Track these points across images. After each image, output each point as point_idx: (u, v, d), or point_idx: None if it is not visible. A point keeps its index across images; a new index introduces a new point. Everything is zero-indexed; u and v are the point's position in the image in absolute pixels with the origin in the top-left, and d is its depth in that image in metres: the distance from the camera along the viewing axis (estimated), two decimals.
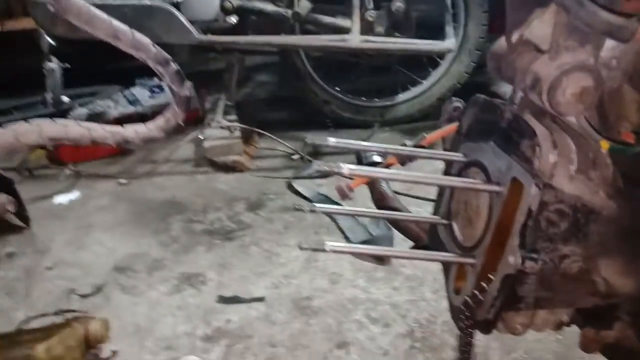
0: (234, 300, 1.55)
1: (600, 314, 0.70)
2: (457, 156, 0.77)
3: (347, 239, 1.73)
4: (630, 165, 0.65)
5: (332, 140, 0.71)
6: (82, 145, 1.50)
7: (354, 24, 2.09)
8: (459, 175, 0.76)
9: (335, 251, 0.66)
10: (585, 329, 0.72)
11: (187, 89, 1.37)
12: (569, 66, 0.60)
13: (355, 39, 2.06)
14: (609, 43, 0.61)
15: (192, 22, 2.01)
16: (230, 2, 2.12)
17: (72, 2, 1.34)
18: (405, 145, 0.88)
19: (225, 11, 2.15)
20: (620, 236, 0.65)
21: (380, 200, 1.01)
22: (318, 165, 0.63)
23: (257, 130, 2.39)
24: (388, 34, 2.20)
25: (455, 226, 0.77)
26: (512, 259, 0.63)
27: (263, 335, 1.41)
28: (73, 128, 1.44)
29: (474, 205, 0.72)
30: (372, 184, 1.02)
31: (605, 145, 0.61)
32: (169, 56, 1.33)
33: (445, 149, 0.91)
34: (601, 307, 0.69)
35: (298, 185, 2.08)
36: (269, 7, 2.18)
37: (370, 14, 2.18)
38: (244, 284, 1.61)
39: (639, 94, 0.64)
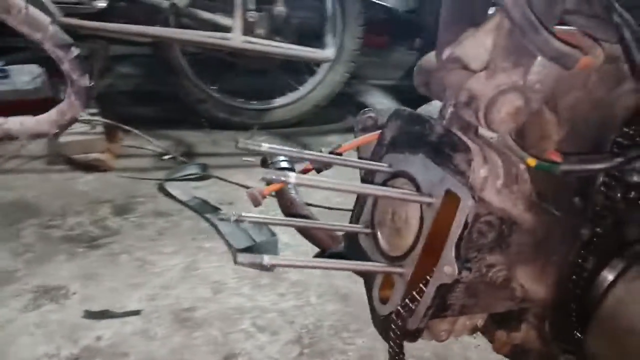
0: (104, 314, 1.40)
1: (511, 317, 0.76)
2: (382, 166, 0.78)
3: (229, 245, 1.66)
4: (542, 183, 0.71)
5: (265, 146, 0.67)
6: None
7: (236, 23, 2.03)
8: (383, 185, 0.77)
9: (274, 265, 0.62)
10: (498, 332, 0.77)
11: (88, 78, 1.18)
12: (506, 86, 0.64)
13: (237, 39, 2.00)
14: (534, 68, 0.67)
15: (55, 3, 1.78)
16: None
17: None
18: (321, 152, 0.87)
19: None
20: (534, 246, 0.71)
21: (289, 207, 0.98)
22: (266, 173, 0.59)
23: (122, 126, 2.20)
24: (268, 37, 2.18)
25: (380, 235, 0.77)
26: (449, 269, 0.65)
27: (141, 352, 1.29)
28: None
29: (402, 216, 0.73)
30: (281, 191, 0.98)
31: (532, 162, 0.66)
32: (70, 39, 1.14)
33: (360, 158, 0.91)
34: (512, 311, 0.75)
35: (171, 187, 1.96)
36: None
37: (252, 15, 2.14)
38: (115, 297, 1.46)
39: (555, 116, 0.71)
